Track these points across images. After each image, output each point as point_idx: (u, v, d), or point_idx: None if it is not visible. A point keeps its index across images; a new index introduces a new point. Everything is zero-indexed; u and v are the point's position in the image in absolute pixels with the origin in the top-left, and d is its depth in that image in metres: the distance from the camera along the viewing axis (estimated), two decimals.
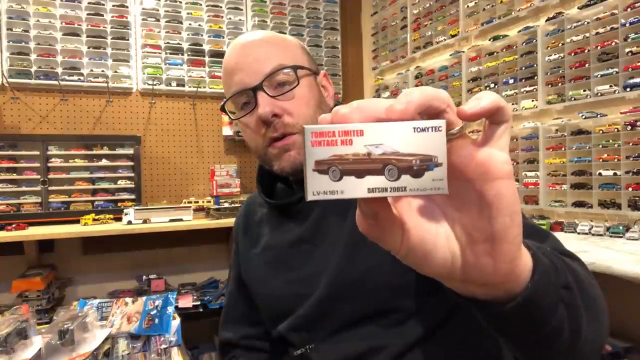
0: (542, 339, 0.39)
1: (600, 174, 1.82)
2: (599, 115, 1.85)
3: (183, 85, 3.01)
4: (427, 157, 0.28)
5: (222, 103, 0.78)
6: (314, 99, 0.76)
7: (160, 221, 2.49)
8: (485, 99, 0.31)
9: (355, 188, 0.28)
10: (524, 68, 2.18)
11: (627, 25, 1.74)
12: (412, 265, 0.35)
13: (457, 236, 0.34)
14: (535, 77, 2.11)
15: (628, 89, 1.74)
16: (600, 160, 1.83)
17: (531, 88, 2.14)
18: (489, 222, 0.32)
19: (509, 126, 0.32)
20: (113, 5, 2.85)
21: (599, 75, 1.84)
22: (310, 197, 0.29)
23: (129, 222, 2.40)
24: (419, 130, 0.28)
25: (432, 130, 0.28)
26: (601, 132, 1.82)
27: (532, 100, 2.14)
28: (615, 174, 1.77)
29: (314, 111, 0.75)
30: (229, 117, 0.79)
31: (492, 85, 2.35)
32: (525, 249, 0.37)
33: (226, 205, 2.72)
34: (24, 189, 2.53)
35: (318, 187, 0.28)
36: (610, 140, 1.80)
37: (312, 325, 0.76)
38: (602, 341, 0.48)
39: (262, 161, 0.81)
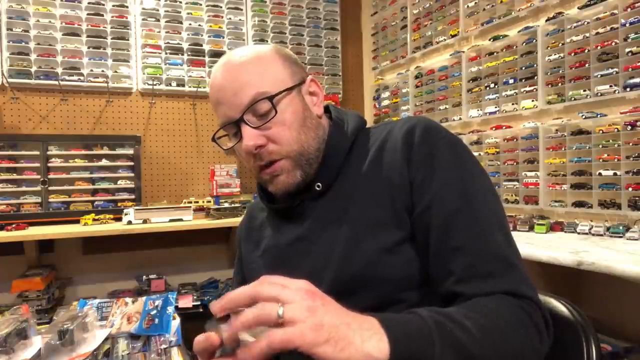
0: None
1: (600, 174, 1.82)
2: (599, 115, 1.85)
3: (183, 85, 3.01)
4: None
5: (214, 134, 0.83)
6: (296, 118, 0.78)
7: (160, 221, 2.49)
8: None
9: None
10: (524, 68, 2.18)
11: (627, 25, 1.74)
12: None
13: None
14: (535, 77, 2.11)
15: (628, 89, 1.74)
16: (600, 160, 1.83)
17: (531, 88, 2.14)
18: None
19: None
20: (113, 5, 2.85)
21: (599, 75, 1.84)
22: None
23: (129, 222, 2.40)
24: None
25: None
26: (601, 132, 1.82)
27: (532, 100, 2.14)
28: (615, 174, 1.77)
29: (298, 131, 0.78)
30: (222, 148, 0.84)
31: (492, 85, 2.35)
32: (379, 337, 0.47)
33: (226, 205, 2.72)
34: (24, 189, 2.53)
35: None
36: (610, 140, 1.80)
37: None
38: None
39: (259, 181, 0.86)
